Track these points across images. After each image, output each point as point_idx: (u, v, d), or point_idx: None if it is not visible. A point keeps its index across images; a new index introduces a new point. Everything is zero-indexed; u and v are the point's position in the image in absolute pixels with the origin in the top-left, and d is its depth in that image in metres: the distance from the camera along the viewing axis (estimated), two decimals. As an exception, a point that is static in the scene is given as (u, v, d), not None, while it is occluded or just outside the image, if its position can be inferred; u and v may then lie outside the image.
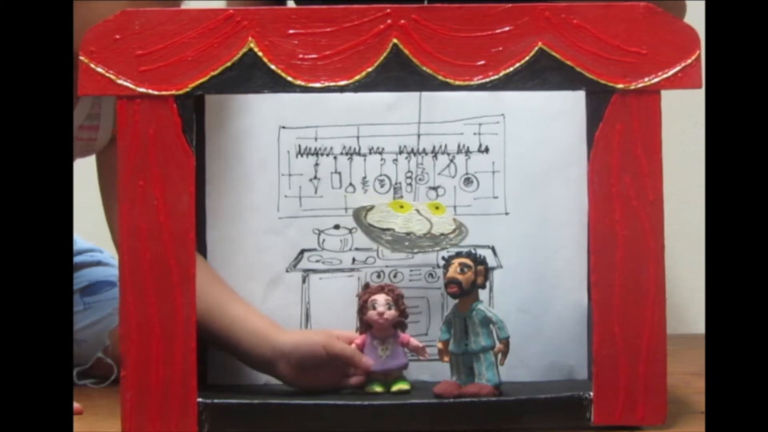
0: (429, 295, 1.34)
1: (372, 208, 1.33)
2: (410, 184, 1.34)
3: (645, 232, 1.21)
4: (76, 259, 1.62)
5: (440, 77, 1.21)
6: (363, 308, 1.27)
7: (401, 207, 1.32)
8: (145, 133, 1.21)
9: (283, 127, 1.34)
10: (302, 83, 1.21)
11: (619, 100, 1.21)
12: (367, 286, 1.29)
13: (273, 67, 1.21)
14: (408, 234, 1.31)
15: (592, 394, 1.22)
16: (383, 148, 1.34)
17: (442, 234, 1.31)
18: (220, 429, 1.22)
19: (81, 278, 1.60)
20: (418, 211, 1.32)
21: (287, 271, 1.34)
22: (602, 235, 1.22)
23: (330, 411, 1.21)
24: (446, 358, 1.27)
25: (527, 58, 1.21)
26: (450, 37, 1.21)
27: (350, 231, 1.34)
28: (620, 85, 1.21)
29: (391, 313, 1.26)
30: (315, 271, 1.34)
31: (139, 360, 1.21)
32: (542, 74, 1.21)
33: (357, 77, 1.21)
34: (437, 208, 1.33)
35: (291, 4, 1.68)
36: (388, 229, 1.31)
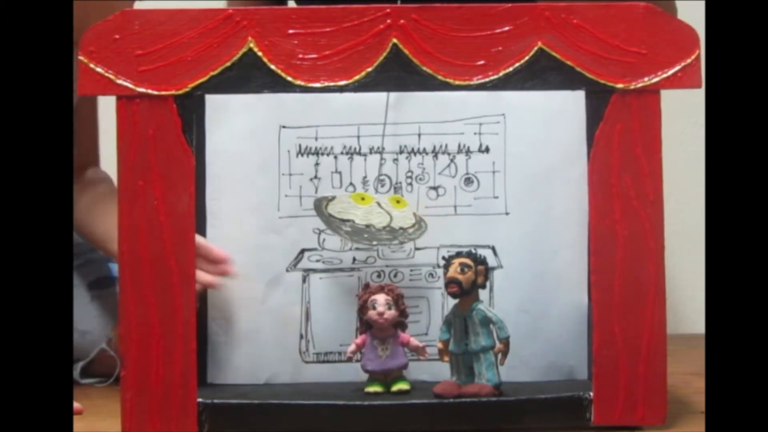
0: (429, 295, 1.34)
1: (333, 198, 1.32)
2: (410, 184, 1.34)
3: (645, 232, 1.21)
4: (88, 255, 1.62)
5: (440, 77, 1.21)
6: (363, 308, 1.27)
7: (363, 199, 1.32)
8: (145, 133, 1.21)
9: (284, 127, 1.34)
10: (302, 83, 1.21)
11: (619, 100, 1.21)
12: (367, 286, 1.29)
13: (273, 67, 1.21)
14: (367, 226, 1.31)
15: (592, 394, 1.22)
16: (384, 148, 1.34)
17: (401, 228, 1.31)
18: (220, 429, 1.22)
19: (90, 273, 1.60)
20: (378, 203, 1.32)
21: (287, 270, 1.34)
22: (602, 235, 1.22)
23: (330, 411, 1.22)
24: (446, 358, 1.27)
25: (527, 58, 1.21)
26: (450, 37, 1.21)
27: (351, 231, 1.34)
28: (620, 85, 1.21)
29: (391, 313, 1.26)
30: (315, 270, 1.34)
31: (139, 360, 1.21)
32: (542, 74, 1.21)
33: (357, 77, 1.21)
34: (398, 201, 1.33)
35: (292, 4, 1.68)
36: (348, 221, 1.31)
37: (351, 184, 1.34)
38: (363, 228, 1.31)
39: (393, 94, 1.32)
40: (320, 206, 1.32)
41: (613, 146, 1.21)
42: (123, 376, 1.21)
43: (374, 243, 1.31)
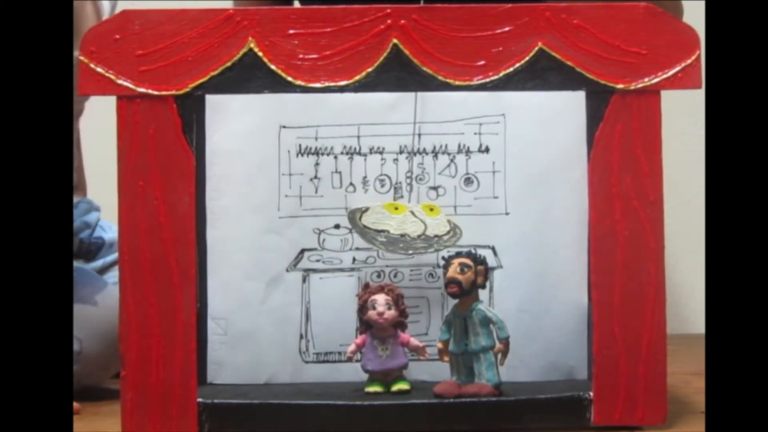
0: (429, 295, 1.34)
1: (367, 209, 1.33)
2: (410, 184, 1.34)
3: (645, 232, 1.21)
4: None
5: (440, 77, 1.21)
6: (363, 308, 1.27)
7: (396, 209, 1.32)
8: (145, 133, 1.21)
9: (284, 127, 1.34)
10: (302, 83, 1.21)
11: (619, 101, 1.21)
12: (367, 286, 1.29)
13: (273, 67, 1.21)
14: (402, 235, 1.31)
15: (592, 394, 1.22)
16: (384, 148, 1.34)
17: (436, 236, 1.31)
18: (220, 429, 1.22)
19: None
20: (412, 212, 1.32)
21: (287, 270, 1.34)
22: (602, 235, 1.22)
23: (330, 411, 1.22)
24: (446, 358, 1.27)
25: (527, 58, 1.21)
26: (450, 37, 1.21)
27: (350, 231, 1.34)
28: (620, 86, 1.21)
29: (391, 313, 1.26)
30: (315, 270, 1.34)
31: (139, 360, 1.21)
32: (542, 74, 1.21)
33: (357, 77, 1.21)
34: (432, 209, 1.33)
35: (297, 5, 1.68)
36: (383, 231, 1.31)
37: (351, 184, 1.34)
38: (398, 237, 1.31)
39: (419, 94, 1.32)
40: (354, 218, 1.32)
41: (613, 146, 1.21)
42: (123, 376, 1.21)
43: (410, 252, 1.32)
